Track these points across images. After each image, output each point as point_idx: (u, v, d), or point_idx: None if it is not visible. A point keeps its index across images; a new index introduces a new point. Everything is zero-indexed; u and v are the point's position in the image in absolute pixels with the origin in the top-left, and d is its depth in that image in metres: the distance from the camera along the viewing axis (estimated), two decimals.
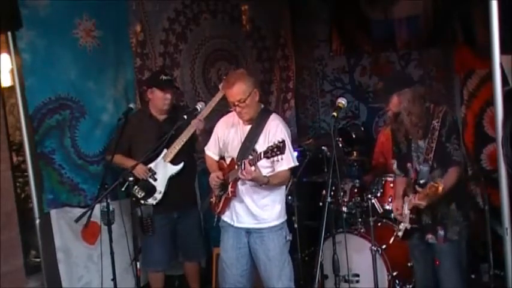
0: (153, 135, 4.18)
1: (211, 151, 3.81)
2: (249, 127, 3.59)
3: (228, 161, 3.69)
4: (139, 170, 4.12)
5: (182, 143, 4.12)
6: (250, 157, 3.42)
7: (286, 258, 3.65)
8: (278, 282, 3.60)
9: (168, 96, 4.23)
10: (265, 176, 3.45)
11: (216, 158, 3.80)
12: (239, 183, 3.56)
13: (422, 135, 3.45)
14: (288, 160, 3.49)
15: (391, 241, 3.99)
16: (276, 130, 3.51)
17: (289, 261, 3.68)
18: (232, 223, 3.67)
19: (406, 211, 3.44)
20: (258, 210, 3.59)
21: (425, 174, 3.36)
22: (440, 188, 3.16)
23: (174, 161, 4.18)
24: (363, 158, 5.13)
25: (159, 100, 4.24)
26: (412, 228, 3.46)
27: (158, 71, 4.71)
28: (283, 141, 3.21)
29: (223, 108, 3.99)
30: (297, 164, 3.62)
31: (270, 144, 3.28)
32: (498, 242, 3.53)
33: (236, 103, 3.48)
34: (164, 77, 4.29)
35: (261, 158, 3.32)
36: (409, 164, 3.53)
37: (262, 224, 3.60)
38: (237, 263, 3.68)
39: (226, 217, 3.71)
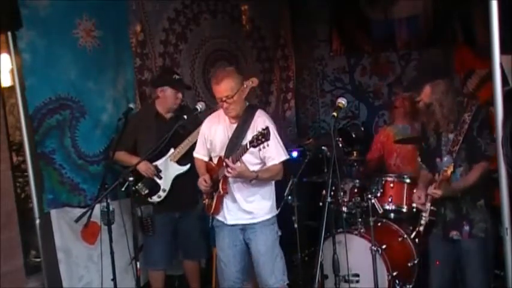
0: (158, 133, 4.17)
1: (200, 154, 3.84)
2: (235, 124, 3.60)
3: (215, 160, 3.71)
4: (143, 167, 4.13)
5: (190, 144, 4.13)
6: (246, 145, 3.41)
7: (278, 253, 3.69)
8: (271, 276, 3.63)
9: (180, 95, 4.27)
10: (253, 171, 3.47)
11: (206, 159, 3.82)
12: (230, 180, 3.58)
13: (452, 129, 3.37)
14: (279, 154, 3.53)
15: (412, 235, 3.93)
16: (263, 126, 3.48)
17: (281, 256, 3.71)
18: (225, 221, 3.69)
19: (428, 205, 3.37)
20: (248, 206, 3.62)
21: (447, 166, 3.29)
22: (449, 172, 3.14)
23: (180, 162, 4.20)
24: (363, 158, 5.14)
25: (171, 99, 4.25)
26: (433, 222, 3.37)
27: (170, 70, 4.72)
28: (267, 128, 3.24)
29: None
30: (288, 157, 3.63)
31: (254, 133, 3.31)
32: (498, 242, 3.52)
33: (224, 99, 3.50)
34: (177, 77, 4.34)
35: (247, 149, 3.34)
36: (438, 159, 3.42)
37: (255, 218, 3.63)
38: (234, 261, 3.71)
39: (219, 216, 3.73)
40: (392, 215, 4.51)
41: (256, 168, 3.55)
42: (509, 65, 3.25)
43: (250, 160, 3.50)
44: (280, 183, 3.88)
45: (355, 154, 5.11)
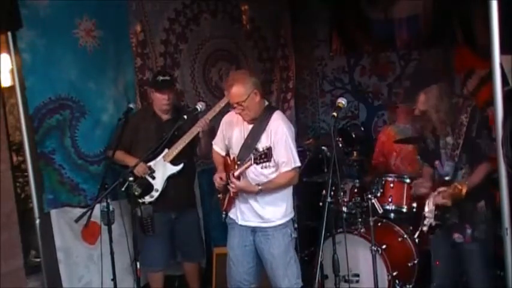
0: (154, 134, 4.19)
1: (218, 146, 3.83)
2: (252, 126, 3.59)
3: (232, 158, 3.69)
4: (140, 169, 4.12)
5: (184, 144, 4.13)
6: (249, 161, 3.42)
7: (292, 256, 3.66)
8: (284, 280, 3.60)
9: (165, 97, 4.24)
10: (257, 185, 3.47)
11: (223, 153, 3.80)
12: None
13: (449, 132, 3.36)
14: (289, 161, 3.50)
15: (416, 235, 3.94)
16: (277, 130, 3.50)
17: (295, 259, 3.69)
18: (237, 220, 3.68)
19: (431, 206, 3.32)
20: (261, 210, 3.59)
21: (451, 171, 3.31)
22: (464, 191, 3.14)
23: (174, 162, 4.19)
24: (362, 158, 5.13)
25: (158, 101, 4.27)
26: (437, 224, 3.35)
27: (158, 71, 4.68)
28: (269, 148, 3.29)
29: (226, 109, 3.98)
30: (299, 164, 3.58)
31: (258, 152, 3.34)
32: (497, 242, 3.52)
33: (235, 105, 3.50)
34: (161, 78, 4.29)
35: (251, 165, 3.38)
36: (437, 162, 3.44)
37: (267, 223, 3.60)
38: (243, 261, 3.68)
39: (232, 214, 3.72)
40: (392, 215, 4.51)
41: (271, 170, 3.51)
42: (509, 65, 3.25)
43: (265, 164, 3.42)
44: None
45: (355, 154, 5.11)
